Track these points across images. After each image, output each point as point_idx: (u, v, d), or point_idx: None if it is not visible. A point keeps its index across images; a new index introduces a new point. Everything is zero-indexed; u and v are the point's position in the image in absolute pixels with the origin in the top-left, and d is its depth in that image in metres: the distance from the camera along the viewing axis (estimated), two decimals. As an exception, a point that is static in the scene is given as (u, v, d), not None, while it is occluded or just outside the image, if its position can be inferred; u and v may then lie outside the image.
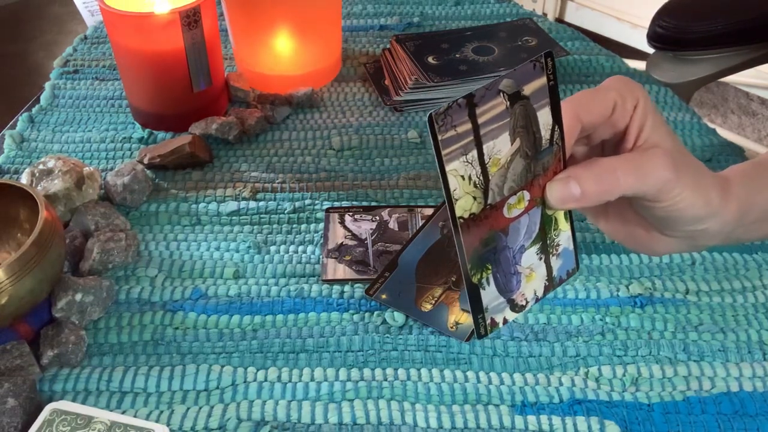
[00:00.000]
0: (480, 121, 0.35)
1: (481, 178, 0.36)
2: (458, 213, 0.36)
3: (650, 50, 1.18)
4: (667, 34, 1.12)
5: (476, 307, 0.39)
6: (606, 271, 0.55)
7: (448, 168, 0.35)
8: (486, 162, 0.36)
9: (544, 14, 2.37)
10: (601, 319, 0.51)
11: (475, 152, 0.36)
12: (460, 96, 0.34)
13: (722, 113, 2.03)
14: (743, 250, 0.57)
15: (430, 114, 0.33)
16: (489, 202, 0.37)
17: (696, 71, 1.13)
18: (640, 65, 0.99)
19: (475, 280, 0.39)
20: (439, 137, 0.34)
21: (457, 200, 0.36)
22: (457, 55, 0.78)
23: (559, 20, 2.39)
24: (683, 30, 1.11)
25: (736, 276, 0.55)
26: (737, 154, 0.68)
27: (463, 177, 0.36)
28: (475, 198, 0.37)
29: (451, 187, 0.35)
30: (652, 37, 1.14)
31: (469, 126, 0.35)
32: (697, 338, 0.50)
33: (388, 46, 0.84)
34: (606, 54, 0.85)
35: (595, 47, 0.87)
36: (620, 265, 0.56)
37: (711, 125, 0.73)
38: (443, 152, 0.34)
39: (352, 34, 0.89)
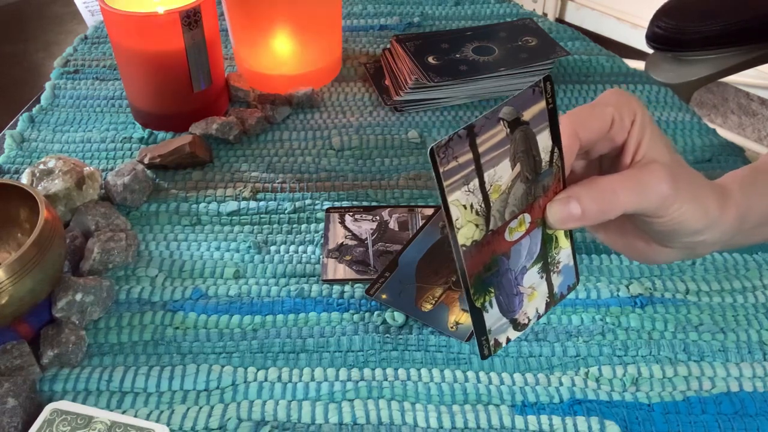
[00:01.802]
0: (481, 150, 0.35)
1: (483, 205, 0.37)
2: (461, 241, 0.37)
3: (650, 50, 1.18)
4: (665, 34, 1.12)
5: (480, 330, 0.40)
6: (606, 271, 0.56)
7: (450, 199, 0.35)
8: (487, 189, 0.36)
9: (544, 14, 2.37)
10: (601, 319, 0.51)
11: (476, 181, 0.36)
12: (461, 128, 0.34)
13: (722, 113, 2.03)
14: (743, 251, 0.57)
15: (431, 147, 0.34)
16: (491, 227, 0.37)
17: (696, 71, 1.13)
18: (640, 65, 0.99)
19: (478, 304, 0.39)
20: (441, 169, 0.34)
21: (459, 229, 0.36)
22: (458, 55, 0.78)
23: (559, 20, 2.39)
24: (682, 30, 1.11)
25: (736, 276, 0.55)
26: (737, 154, 0.68)
27: (465, 206, 0.36)
28: (477, 225, 0.37)
29: (453, 217, 0.36)
30: (651, 38, 1.14)
31: (470, 156, 0.35)
32: (697, 338, 0.50)
33: (388, 46, 0.84)
34: (606, 54, 0.85)
35: (595, 47, 0.87)
36: (620, 265, 0.56)
37: (711, 125, 0.73)
38: (445, 184, 0.35)
39: (352, 34, 0.89)
